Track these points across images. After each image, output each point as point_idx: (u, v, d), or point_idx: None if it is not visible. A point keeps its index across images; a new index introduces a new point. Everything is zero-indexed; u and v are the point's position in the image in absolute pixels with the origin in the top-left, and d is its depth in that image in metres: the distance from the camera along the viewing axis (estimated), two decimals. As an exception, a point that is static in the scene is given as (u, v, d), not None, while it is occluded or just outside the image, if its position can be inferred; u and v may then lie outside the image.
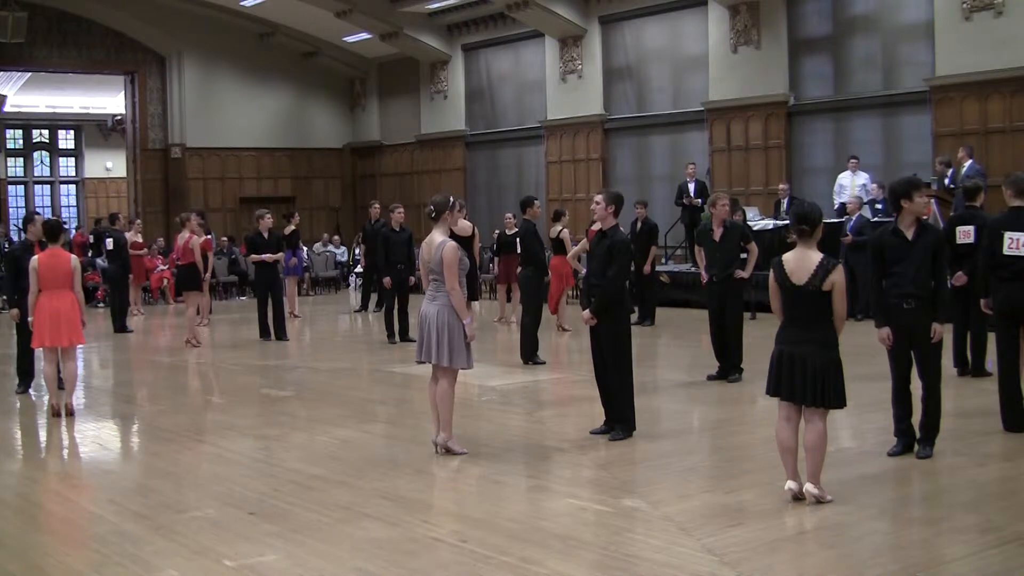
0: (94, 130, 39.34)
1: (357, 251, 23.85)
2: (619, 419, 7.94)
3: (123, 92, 27.91)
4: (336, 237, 25.92)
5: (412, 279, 13.87)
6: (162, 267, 21.58)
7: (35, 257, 9.57)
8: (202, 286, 15.81)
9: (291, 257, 18.20)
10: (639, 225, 15.43)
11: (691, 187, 18.51)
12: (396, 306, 14.15)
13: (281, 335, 15.01)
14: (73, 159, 40.52)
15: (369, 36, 25.63)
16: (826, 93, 19.11)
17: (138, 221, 21.45)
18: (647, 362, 11.80)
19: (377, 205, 19.20)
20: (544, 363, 11.96)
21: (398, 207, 14.76)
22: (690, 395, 10.16)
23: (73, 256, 9.74)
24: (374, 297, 18.44)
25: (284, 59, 27.51)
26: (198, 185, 26.89)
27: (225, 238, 23.97)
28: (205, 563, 5.39)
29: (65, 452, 8.58)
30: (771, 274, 6.26)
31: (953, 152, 15.66)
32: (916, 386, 7.16)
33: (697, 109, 20.67)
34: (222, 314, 19.29)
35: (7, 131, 37.34)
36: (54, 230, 9.68)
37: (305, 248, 22.04)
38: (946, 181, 14.90)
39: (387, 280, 14.12)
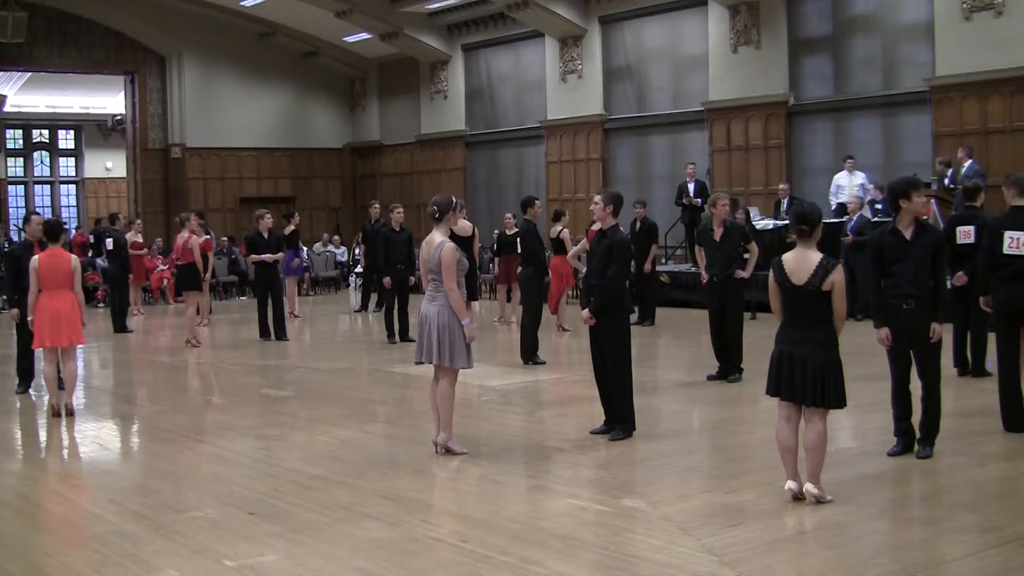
0: (94, 130, 39.34)
1: (357, 251, 23.84)
2: (619, 419, 7.94)
3: (123, 92, 27.91)
4: (336, 237, 25.92)
5: (412, 279, 13.88)
6: (162, 267, 21.57)
7: (35, 257, 9.56)
8: (202, 286, 15.82)
9: (293, 258, 18.21)
10: (638, 225, 15.44)
11: (691, 187, 18.50)
12: (396, 306, 14.15)
13: (281, 335, 15.01)
14: (73, 159, 40.51)
15: (369, 36, 25.63)
16: (826, 93, 19.11)
17: (138, 221, 21.42)
18: (647, 362, 11.80)
19: (377, 205, 19.18)
20: (544, 363, 11.95)
21: (398, 207, 14.75)
22: (690, 395, 10.16)
23: (73, 256, 9.73)
24: (374, 297, 18.43)
25: (284, 59, 27.51)
26: (198, 185, 26.89)
27: (225, 238, 23.95)
28: (205, 563, 5.39)
29: (65, 452, 8.58)
30: (771, 274, 6.26)
31: (953, 152, 15.66)
32: (916, 386, 7.15)
33: (697, 109, 20.67)
34: (222, 314, 19.28)
35: (7, 131, 37.35)
36: (54, 230, 9.68)
37: (305, 248, 22.03)
38: (946, 181, 14.90)
39: (387, 280, 14.12)
